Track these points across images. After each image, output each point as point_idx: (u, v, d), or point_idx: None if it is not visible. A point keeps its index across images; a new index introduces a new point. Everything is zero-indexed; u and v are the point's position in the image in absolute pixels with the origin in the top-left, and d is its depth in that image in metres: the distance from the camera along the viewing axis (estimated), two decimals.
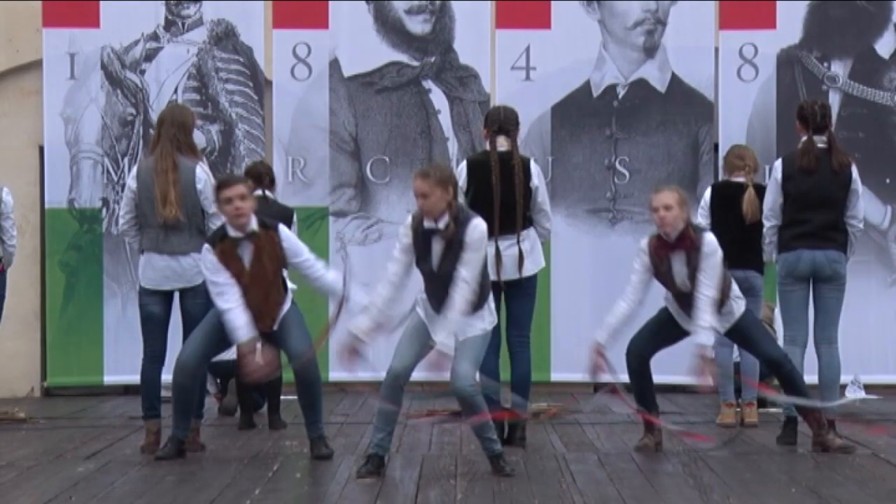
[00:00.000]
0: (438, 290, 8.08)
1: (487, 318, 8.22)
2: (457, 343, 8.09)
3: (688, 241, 8.87)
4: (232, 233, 8.68)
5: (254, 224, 8.70)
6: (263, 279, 8.70)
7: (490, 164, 9.31)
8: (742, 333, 9.11)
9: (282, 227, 8.88)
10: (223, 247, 8.70)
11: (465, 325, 8.08)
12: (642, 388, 9.21)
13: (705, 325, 8.78)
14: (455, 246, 8.00)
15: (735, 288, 9.10)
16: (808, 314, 9.54)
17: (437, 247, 8.07)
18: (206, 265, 8.71)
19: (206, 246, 8.73)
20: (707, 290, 8.81)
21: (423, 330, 8.20)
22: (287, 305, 8.87)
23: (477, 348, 8.15)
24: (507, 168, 9.31)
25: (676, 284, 8.93)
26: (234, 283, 8.64)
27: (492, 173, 9.26)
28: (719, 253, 8.90)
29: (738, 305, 9.06)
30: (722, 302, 8.94)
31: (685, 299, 8.95)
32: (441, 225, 8.02)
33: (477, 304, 8.11)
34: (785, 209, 9.47)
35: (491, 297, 8.28)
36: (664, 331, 9.16)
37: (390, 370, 8.21)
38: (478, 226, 8.03)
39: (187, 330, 9.12)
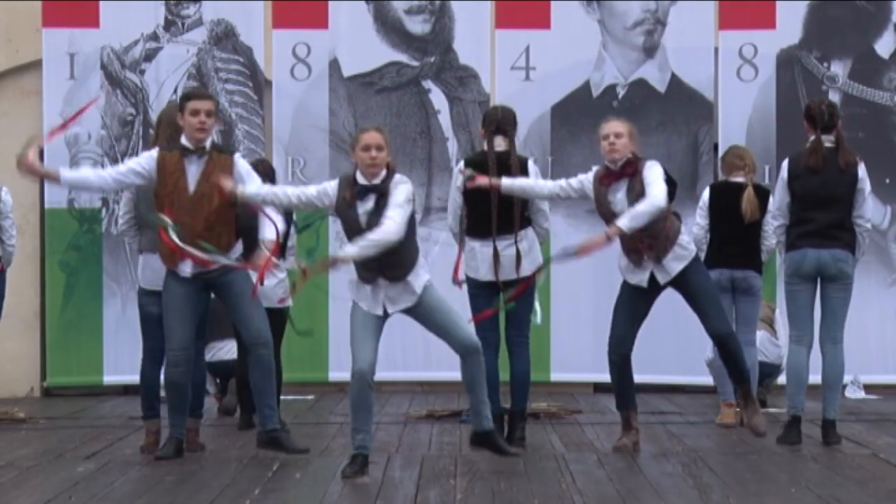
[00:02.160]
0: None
1: (424, 274, 8.26)
2: (429, 316, 8.21)
3: (631, 168, 8.90)
4: (185, 142, 8.63)
5: (209, 144, 8.67)
6: (208, 204, 8.56)
7: (487, 165, 9.31)
8: (691, 289, 8.99)
9: (238, 155, 8.83)
10: (169, 155, 8.60)
11: (409, 292, 8.15)
12: (623, 384, 9.19)
13: (632, 212, 8.71)
14: (384, 201, 8.06)
15: (685, 237, 9.07)
16: (815, 314, 9.52)
17: (367, 205, 8.08)
18: (138, 158, 8.66)
19: (155, 149, 8.67)
20: (655, 190, 8.74)
21: (371, 319, 8.19)
22: (236, 253, 8.76)
23: (446, 308, 8.25)
24: (505, 168, 9.30)
25: (616, 214, 8.85)
26: (121, 178, 8.62)
27: (489, 173, 9.26)
28: (659, 166, 8.92)
29: (689, 251, 9.00)
30: (669, 247, 8.91)
31: (628, 241, 8.91)
32: (377, 181, 8.08)
33: (410, 265, 8.16)
34: (792, 208, 9.46)
35: (420, 258, 8.29)
36: (633, 307, 9.11)
37: (356, 371, 8.13)
38: (404, 180, 8.14)
39: None
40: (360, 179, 8.12)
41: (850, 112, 12.82)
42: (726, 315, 9.47)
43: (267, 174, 10.73)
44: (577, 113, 13.07)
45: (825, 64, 13.05)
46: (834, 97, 12.81)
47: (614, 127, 8.97)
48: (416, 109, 13.16)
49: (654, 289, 9.04)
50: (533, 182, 9.22)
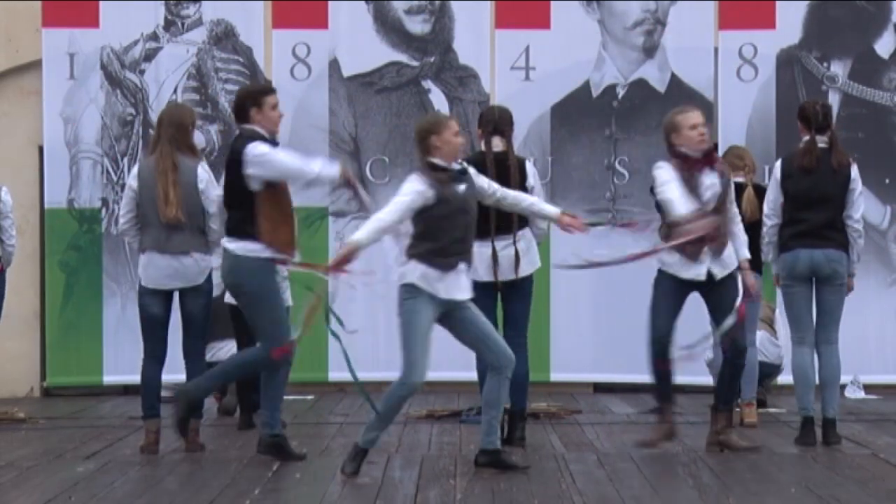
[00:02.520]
0: (461, 230, 8.15)
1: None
2: (473, 321, 8.20)
3: (713, 157, 8.98)
4: (264, 133, 8.71)
5: None
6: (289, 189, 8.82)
7: (486, 165, 9.30)
8: (723, 298, 8.99)
9: None
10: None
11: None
12: (667, 379, 9.12)
13: (742, 240, 9.05)
14: (470, 180, 8.25)
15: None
16: (813, 314, 9.53)
17: (461, 186, 8.19)
18: (262, 148, 8.56)
19: (256, 142, 8.59)
20: (739, 220, 9.15)
21: (431, 325, 8.15)
22: None
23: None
24: (503, 168, 9.30)
25: (703, 200, 8.84)
26: None
27: (487, 174, 9.26)
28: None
29: (733, 260, 9.03)
30: (727, 243, 8.96)
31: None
32: (458, 165, 8.26)
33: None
34: (784, 208, 9.48)
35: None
36: (673, 302, 9.01)
37: (413, 384, 8.12)
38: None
39: (187, 330, 9.13)
40: (444, 164, 8.17)
41: (850, 112, 12.83)
42: (745, 329, 9.35)
43: None
44: (577, 113, 13.07)
45: (825, 64, 13.05)
46: (834, 97, 12.82)
47: (699, 116, 8.98)
48: (416, 109, 13.15)
49: (695, 286, 8.99)
50: (673, 208, 8.88)
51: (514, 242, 9.31)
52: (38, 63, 13.07)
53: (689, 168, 8.92)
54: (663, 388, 9.22)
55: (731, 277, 9.03)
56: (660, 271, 9.10)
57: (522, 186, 9.36)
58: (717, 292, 9.02)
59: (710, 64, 13.04)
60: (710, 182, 8.92)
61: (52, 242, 13.01)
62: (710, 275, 8.95)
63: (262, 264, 8.60)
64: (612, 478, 8.10)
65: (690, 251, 8.87)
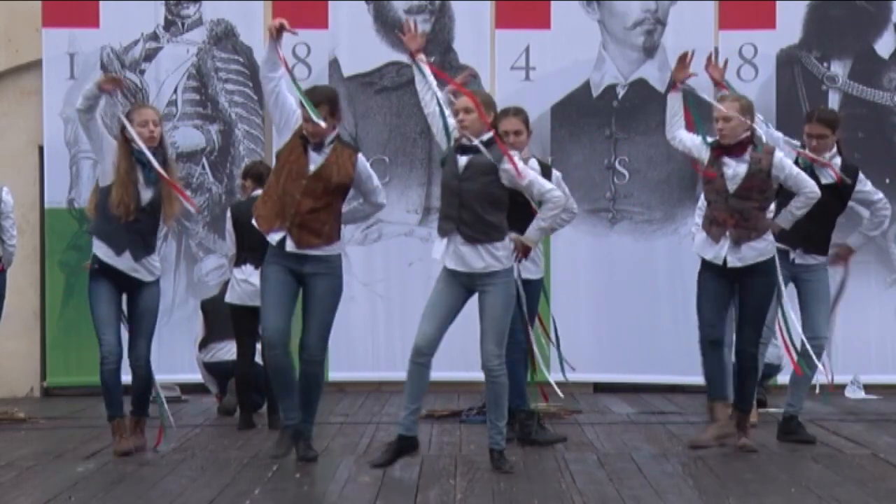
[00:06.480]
0: (458, 208, 8.20)
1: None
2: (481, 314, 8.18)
3: (742, 147, 8.91)
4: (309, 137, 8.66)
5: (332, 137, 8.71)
6: (318, 191, 8.56)
7: None
8: (745, 294, 8.95)
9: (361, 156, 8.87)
10: (295, 144, 8.69)
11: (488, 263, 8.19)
12: (712, 372, 9.07)
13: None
14: (486, 168, 8.21)
15: (771, 245, 9.03)
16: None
17: (463, 160, 8.27)
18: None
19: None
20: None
21: (452, 290, 8.22)
22: (332, 250, 8.60)
23: (501, 322, 8.20)
24: None
25: (727, 187, 8.85)
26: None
27: None
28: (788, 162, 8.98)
29: (768, 253, 8.93)
30: (752, 236, 8.89)
31: (720, 211, 8.88)
32: (483, 139, 8.26)
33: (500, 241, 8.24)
34: None
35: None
36: (714, 289, 8.96)
37: (415, 347, 8.18)
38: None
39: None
40: (464, 140, 8.41)
41: (850, 112, 12.82)
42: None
43: (267, 174, 10.75)
44: (577, 113, 13.07)
45: (825, 64, 13.06)
46: (834, 97, 12.83)
47: (723, 111, 9.11)
48: (416, 109, 13.10)
49: (729, 274, 8.92)
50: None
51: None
52: (38, 63, 13.08)
53: (717, 155, 8.96)
54: (711, 383, 9.12)
55: (756, 274, 8.92)
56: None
57: None
58: (742, 290, 8.98)
59: None
60: (732, 170, 8.88)
61: (52, 242, 13.02)
62: (732, 269, 8.89)
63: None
64: (612, 478, 8.10)
65: (714, 231, 8.90)
